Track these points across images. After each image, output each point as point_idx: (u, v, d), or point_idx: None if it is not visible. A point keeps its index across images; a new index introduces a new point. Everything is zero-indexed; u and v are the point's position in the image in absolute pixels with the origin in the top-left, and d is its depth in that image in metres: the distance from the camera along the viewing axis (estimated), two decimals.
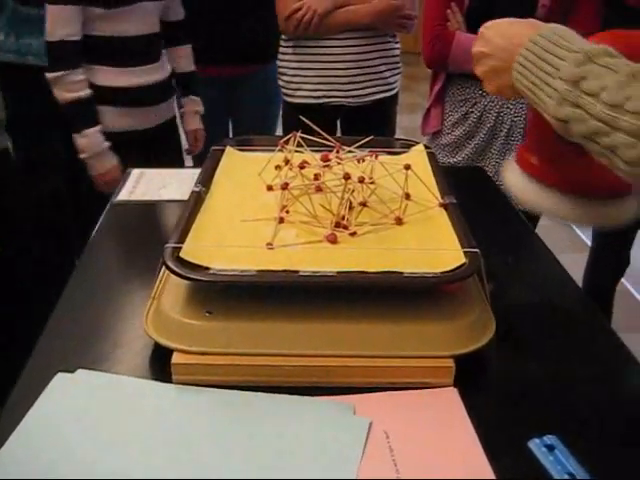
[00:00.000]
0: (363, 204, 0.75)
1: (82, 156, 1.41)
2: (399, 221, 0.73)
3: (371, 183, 0.78)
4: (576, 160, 0.60)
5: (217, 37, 1.59)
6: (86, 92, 1.38)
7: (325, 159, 0.80)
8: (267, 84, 1.71)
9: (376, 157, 0.81)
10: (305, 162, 0.81)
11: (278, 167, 0.83)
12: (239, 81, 1.71)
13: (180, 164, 1.61)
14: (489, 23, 0.63)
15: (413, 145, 0.94)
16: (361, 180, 0.75)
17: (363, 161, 0.83)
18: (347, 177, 0.73)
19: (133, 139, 1.47)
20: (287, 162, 0.82)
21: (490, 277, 0.67)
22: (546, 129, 0.56)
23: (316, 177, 0.79)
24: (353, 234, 0.71)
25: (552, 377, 0.64)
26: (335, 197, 0.74)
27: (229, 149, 0.91)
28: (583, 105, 0.50)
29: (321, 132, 0.83)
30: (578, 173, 0.64)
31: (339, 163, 0.80)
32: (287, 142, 0.84)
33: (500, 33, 0.61)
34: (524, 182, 0.69)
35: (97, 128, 1.40)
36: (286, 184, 0.73)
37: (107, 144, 1.43)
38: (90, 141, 1.39)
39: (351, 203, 0.74)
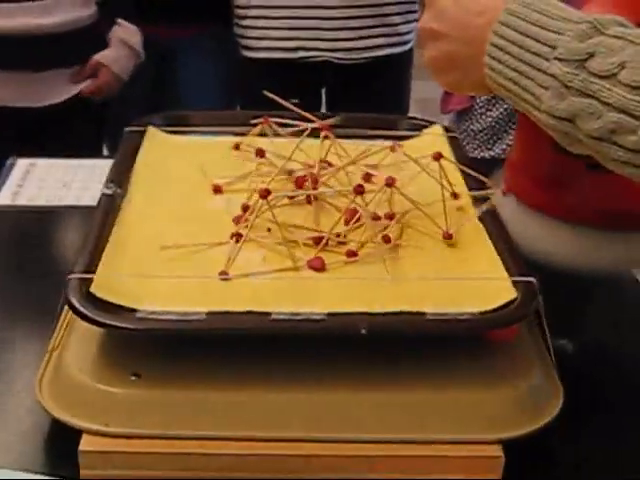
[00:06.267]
0: (390, 217, 0.77)
1: None
2: (449, 237, 0.75)
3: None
4: (585, 178, 0.61)
5: None
6: None
7: (300, 183, 0.81)
8: (216, 52, 1.70)
9: (396, 149, 0.82)
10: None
11: (236, 147, 0.86)
12: (175, 47, 1.69)
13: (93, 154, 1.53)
14: None
15: (426, 126, 0.96)
16: (390, 183, 0.76)
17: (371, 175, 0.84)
18: (360, 191, 0.74)
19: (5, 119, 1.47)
20: (261, 153, 0.84)
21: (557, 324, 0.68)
22: (539, 137, 0.57)
23: (300, 182, 0.81)
24: (351, 255, 0.71)
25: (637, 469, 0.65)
26: (330, 207, 0.77)
27: (152, 131, 0.92)
28: (595, 92, 0.50)
29: (291, 107, 0.84)
30: (589, 196, 0.65)
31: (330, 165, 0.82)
32: (244, 120, 0.88)
33: (460, 3, 0.61)
34: (518, 212, 0.71)
35: None
36: (266, 191, 0.73)
37: None
38: None
39: (356, 216, 0.75)
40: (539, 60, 0.54)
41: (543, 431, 0.63)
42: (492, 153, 1.40)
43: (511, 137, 1.38)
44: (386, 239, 0.74)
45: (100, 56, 1.52)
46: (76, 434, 0.61)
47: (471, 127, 1.40)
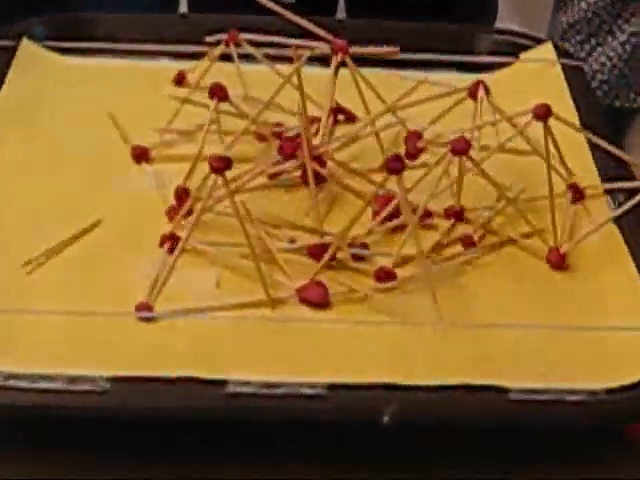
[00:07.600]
0: (455, 215, 0.73)
1: None
2: (558, 259, 0.69)
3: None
4: None
5: None
6: None
7: (289, 148, 0.76)
8: None
9: (479, 91, 0.76)
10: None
11: (178, 81, 0.85)
12: None
13: None
14: None
15: (527, 46, 0.92)
16: (460, 148, 0.68)
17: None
18: (396, 168, 0.66)
19: None
20: (220, 92, 0.78)
21: None
22: None
23: (289, 147, 0.76)
24: (382, 278, 0.66)
25: None
26: (344, 193, 0.74)
27: (29, 47, 0.89)
28: None
29: (280, 10, 0.80)
30: None
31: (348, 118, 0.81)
32: (194, 33, 0.87)
33: None
34: None
35: None
36: (224, 161, 0.65)
37: None
38: None
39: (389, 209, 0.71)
40: None
41: None
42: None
43: None
44: (452, 251, 0.71)
45: None
46: None
47: (609, 41, 1.24)
